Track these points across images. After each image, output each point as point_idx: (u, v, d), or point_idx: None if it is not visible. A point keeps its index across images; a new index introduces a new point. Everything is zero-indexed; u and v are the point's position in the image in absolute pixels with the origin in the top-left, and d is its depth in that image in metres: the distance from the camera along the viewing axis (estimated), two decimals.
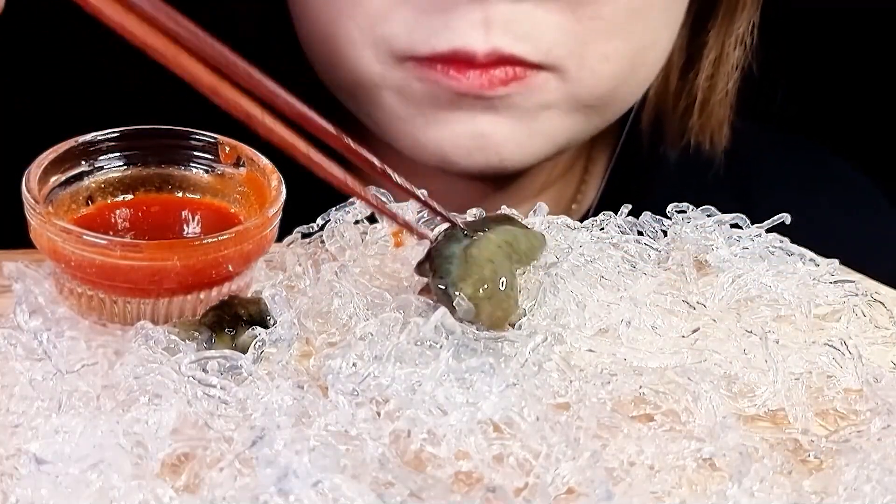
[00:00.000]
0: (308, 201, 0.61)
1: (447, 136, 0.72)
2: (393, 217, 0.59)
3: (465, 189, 0.77)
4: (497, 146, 0.72)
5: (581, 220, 0.66)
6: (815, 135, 0.99)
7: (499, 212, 0.64)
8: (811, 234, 0.66)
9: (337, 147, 0.55)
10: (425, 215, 0.65)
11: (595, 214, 0.66)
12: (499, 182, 0.81)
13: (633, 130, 0.86)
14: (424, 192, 0.59)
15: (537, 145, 0.74)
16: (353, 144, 0.56)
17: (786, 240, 0.65)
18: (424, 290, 0.57)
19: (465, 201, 0.67)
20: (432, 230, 0.64)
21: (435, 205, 0.59)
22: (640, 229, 0.66)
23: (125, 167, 0.59)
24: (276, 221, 0.57)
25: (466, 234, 0.57)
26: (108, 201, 0.58)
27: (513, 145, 0.73)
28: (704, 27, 0.81)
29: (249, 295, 0.57)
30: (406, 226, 0.59)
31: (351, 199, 0.64)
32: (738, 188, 0.89)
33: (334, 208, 0.64)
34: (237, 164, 0.59)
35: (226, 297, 0.55)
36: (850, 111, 1.25)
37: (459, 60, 0.69)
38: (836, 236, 0.66)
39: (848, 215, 0.93)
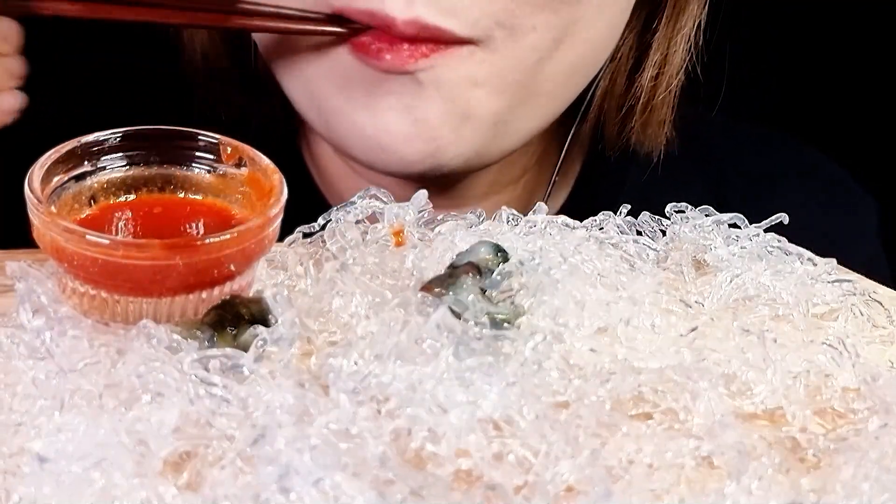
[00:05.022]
0: (310, 201, 0.61)
1: (380, 124, 0.72)
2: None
3: (411, 190, 0.76)
4: (432, 130, 0.72)
5: None
6: (788, 127, 0.99)
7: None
8: (786, 226, 0.66)
9: None
10: (425, 215, 0.65)
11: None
12: (443, 183, 0.81)
13: (594, 135, 0.86)
14: None
15: (471, 130, 0.73)
16: None
17: (783, 239, 0.66)
18: (426, 287, 0.57)
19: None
20: (432, 230, 0.64)
21: None
22: (639, 229, 0.66)
23: (127, 167, 0.59)
24: (278, 221, 0.57)
25: None
26: (111, 201, 0.59)
27: (447, 129, 0.72)
28: (651, 29, 0.81)
29: (251, 294, 0.57)
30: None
31: (352, 199, 0.64)
32: (710, 182, 0.90)
33: (335, 208, 0.64)
34: (239, 165, 0.60)
35: (227, 297, 0.56)
36: (824, 103, 1.26)
37: (379, 27, 0.69)
38: (811, 227, 0.67)
39: (823, 206, 0.93)
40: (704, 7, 0.81)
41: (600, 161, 0.87)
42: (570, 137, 0.86)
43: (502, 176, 0.84)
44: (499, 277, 0.59)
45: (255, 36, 0.78)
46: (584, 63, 0.77)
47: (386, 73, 0.70)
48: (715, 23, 0.82)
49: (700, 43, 0.81)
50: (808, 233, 0.66)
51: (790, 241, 0.66)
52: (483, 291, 0.58)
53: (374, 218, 0.64)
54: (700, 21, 0.81)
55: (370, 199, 0.64)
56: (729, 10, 0.82)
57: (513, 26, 0.70)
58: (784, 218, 0.66)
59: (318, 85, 0.74)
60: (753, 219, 0.66)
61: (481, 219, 0.65)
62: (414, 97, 0.71)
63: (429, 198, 0.66)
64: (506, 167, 0.84)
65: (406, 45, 0.69)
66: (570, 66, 0.76)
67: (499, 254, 0.60)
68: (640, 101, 0.82)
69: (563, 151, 0.86)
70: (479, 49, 0.71)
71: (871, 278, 0.66)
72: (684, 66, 0.82)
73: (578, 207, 0.66)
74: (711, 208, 0.67)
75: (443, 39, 0.69)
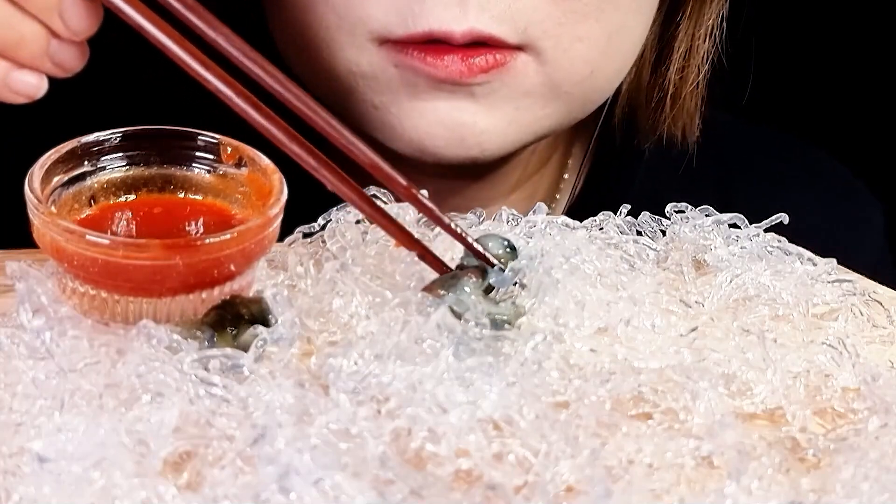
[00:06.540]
0: (309, 201, 0.61)
1: (424, 125, 0.72)
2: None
3: (440, 185, 0.76)
4: (477, 135, 0.72)
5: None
6: (794, 128, 1.00)
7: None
8: (791, 227, 0.66)
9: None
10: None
11: (572, 212, 0.66)
12: (473, 177, 0.81)
13: (608, 127, 0.87)
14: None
15: (517, 134, 0.74)
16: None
17: (783, 239, 0.66)
18: (427, 288, 0.58)
19: (438, 198, 0.67)
20: (432, 230, 0.64)
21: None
22: (640, 229, 0.66)
23: (127, 168, 0.59)
24: (278, 221, 0.57)
25: None
26: (111, 202, 0.59)
27: (493, 135, 0.72)
28: (675, 21, 0.82)
29: (251, 294, 0.57)
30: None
31: None
32: (718, 181, 0.90)
33: (335, 208, 0.64)
34: (239, 165, 0.60)
35: (227, 297, 0.56)
36: (831, 103, 1.26)
37: (437, 43, 0.69)
38: (818, 229, 0.67)
39: (829, 207, 0.93)
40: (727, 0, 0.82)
41: (610, 155, 0.88)
42: (598, 129, 0.86)
43: (529, 167, 0.85)
44: (510, 274, 0.58)
45: (281, 44, 0.77)
46: (625, 67, 0.79)
47: (439, 83, 0.70)
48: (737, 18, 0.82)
49: (724, 35, 0.82)
50: (814, 234, 0.66)
51: (797, 242, 0.66)
52: (488, 290, 0.58)
53: None
54: (723, 14, 0.81)
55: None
56: (736, 10, 0.83)
57: (559, 35, 0.71)
58: (784, 218, 0.66)
59: (355, 89, 0.74)
60: (761, 220, 0.66)
61: (481, 219, 0.65)
62: (463, 105, 0.71)
63: (460, 192, 0.65)
64: (534, 157, 0.84)
65: (460, 56, 0.69)
66: (616, 73, 0.78)
67: (508, 249, 0.60)
68: (669, 94, 0.83)
69: (591, 144, 0.87)
70: (531, 61, 0.71)
71: (877, 279, 0.66)
72: (710, 57, 0.82)
73: (589, 202, 0.67)
74: (711, 208, 0.67)
75: (496, 46, 0.70)
